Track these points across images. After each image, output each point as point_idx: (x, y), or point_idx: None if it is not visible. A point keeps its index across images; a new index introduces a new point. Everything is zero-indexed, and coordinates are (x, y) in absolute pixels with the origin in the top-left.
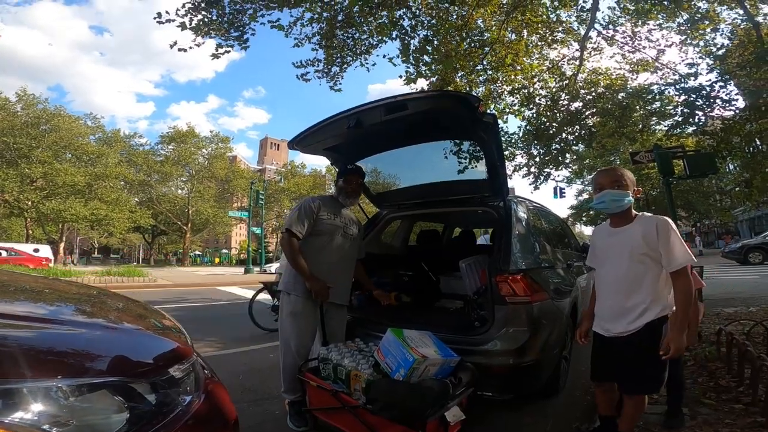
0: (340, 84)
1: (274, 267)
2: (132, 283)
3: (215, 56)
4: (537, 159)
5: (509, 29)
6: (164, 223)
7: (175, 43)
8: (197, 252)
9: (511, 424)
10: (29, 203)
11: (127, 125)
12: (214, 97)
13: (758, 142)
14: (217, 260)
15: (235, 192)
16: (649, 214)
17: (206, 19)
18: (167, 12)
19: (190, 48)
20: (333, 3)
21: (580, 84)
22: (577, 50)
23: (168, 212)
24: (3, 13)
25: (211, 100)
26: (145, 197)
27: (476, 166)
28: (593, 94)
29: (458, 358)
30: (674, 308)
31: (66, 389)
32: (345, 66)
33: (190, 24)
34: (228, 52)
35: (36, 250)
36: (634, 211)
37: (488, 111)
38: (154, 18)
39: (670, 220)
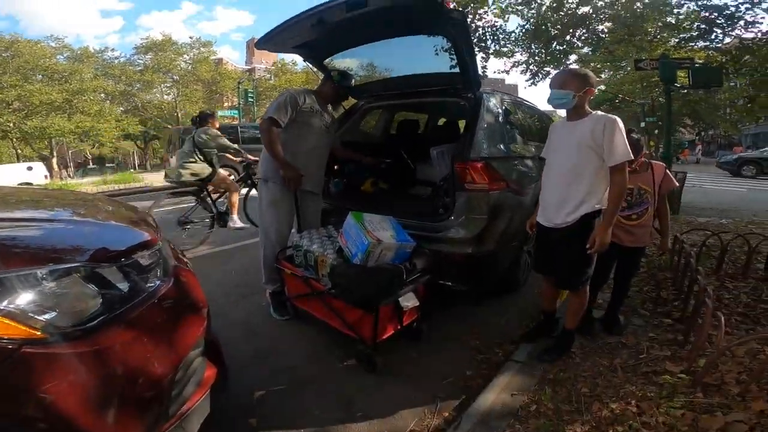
0: None
1: None
2: (130, 188)
3: None
4: (537, 58)
5: None
6: (155, 128)
7: None
8: None
9: (468, 315)
10: (11, 125)
11: (96, 42)
12: (190, 3)
13: None
14: None
15: (224, 92)
16: (602, 113)
17: None
18: None
19: None
20: None
21: None
22: None
23: (156, 117)
24: None
25: (185, 6)
26: (130, 106)
27: (449, 60)
28: (605, 0)
29: (414, 243)
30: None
31: (39, 276)
32: None
33: None
34: None
35: (29, 168)
36: (590, 110)
37: (456, 7)
38: None
39: (619, 120)
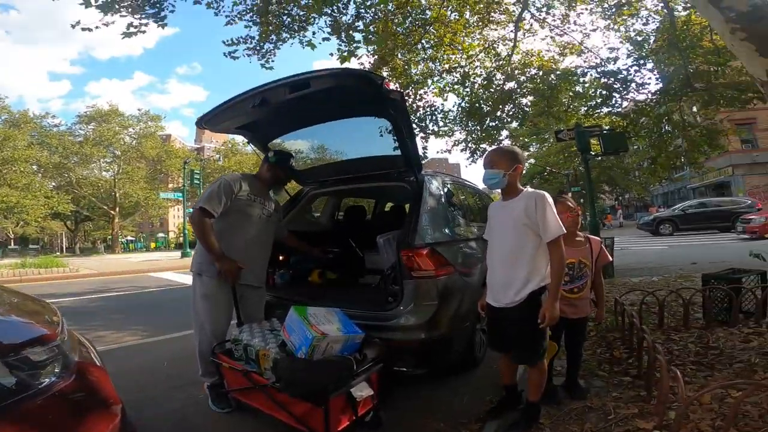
0: (273, 62)
1: None
2: (51, 275)
3: (127, 35)
4: (474, 135)
5: (450, 8)
6: (88, 208)
7: (78, 22)
8: (129, 237)
9: (427, 399)
10: None
11: (38, 105)
12: (142, 74)
13: (665, 123)
14: (153, 245)
15: (169, 172)
16: (532, 190)
17: None
18: None
19: (97, 28)
20: None
21: (515, 65)
22: (512, 31)
23: (91, 196)
24: None
25: (138, 77)
26: (64, 181)
27: (390, 142)
28: (527, 75)
29: (363, 334)
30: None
31: None
32: (280, 43)
33: (96, 1)
34: (143, 32)
35: None
36: (521, 187)
37: (396, 88)
38: None
39: (548, 195)
